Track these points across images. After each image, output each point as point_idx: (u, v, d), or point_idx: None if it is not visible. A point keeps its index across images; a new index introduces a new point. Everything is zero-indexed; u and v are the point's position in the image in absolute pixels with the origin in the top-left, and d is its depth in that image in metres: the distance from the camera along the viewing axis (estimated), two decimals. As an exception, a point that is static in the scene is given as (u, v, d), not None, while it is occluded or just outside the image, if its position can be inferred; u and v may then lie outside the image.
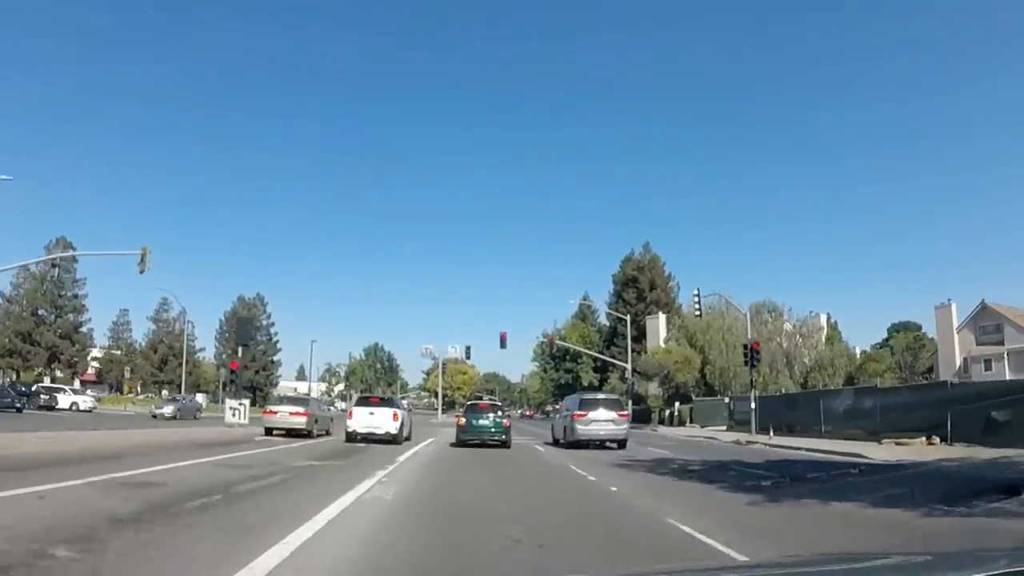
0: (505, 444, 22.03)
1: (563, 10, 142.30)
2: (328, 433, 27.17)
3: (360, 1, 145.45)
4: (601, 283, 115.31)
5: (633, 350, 61.91)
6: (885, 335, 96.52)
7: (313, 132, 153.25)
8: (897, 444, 24.60)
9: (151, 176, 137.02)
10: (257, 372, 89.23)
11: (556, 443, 25.37)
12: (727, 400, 47.52)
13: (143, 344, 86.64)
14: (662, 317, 69.12)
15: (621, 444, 23.29)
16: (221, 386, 73.24)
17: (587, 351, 71.68)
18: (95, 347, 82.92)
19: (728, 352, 53.38)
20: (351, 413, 22.97)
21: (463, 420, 22.52)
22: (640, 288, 79.72)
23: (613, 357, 67.54)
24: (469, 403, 26.02)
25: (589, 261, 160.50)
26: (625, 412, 23.48)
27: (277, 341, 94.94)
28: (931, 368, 76.22)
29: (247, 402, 29.34)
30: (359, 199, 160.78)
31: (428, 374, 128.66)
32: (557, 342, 65.92)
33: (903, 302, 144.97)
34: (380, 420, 22.34)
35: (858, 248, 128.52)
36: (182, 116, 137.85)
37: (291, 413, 24.56)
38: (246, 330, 30.67)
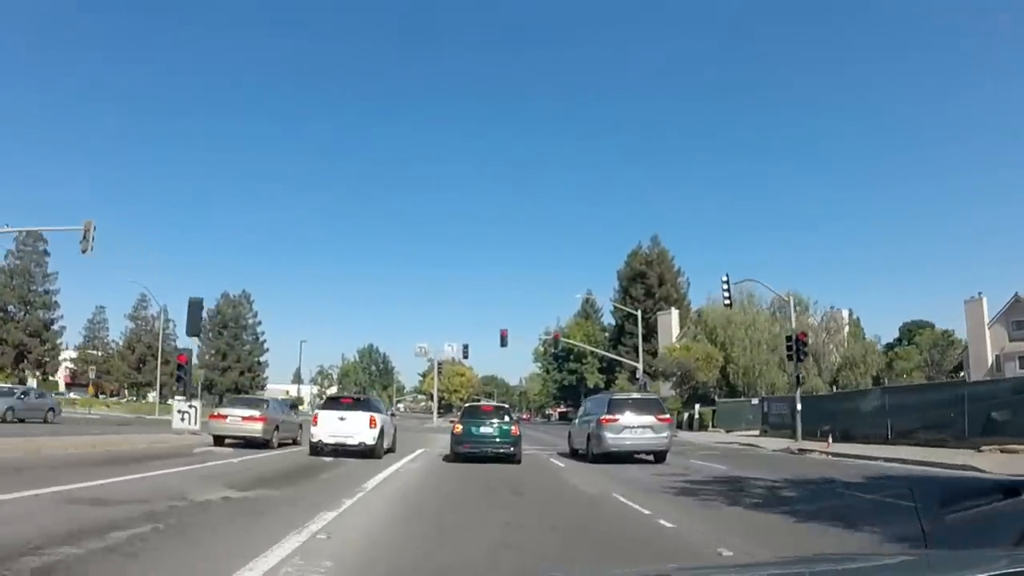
0: (514, 458, 17.01)
1: (567, 9, 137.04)
2: (295, 442, 22.24)
3: (362, 4, 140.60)
4: (602, 285, 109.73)
5: (643, 349, 57.16)
6: (896, 335, 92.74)
7: (312, 134, 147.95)
8: (1002, 451, 19.76)
9: (144, 176, 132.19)
10: (242, 373, 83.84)
11: (574, 454, 20.41)
12: (755, 401, 42.62)
13: (120, 343, 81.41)
14: (675, 313, 64.16)
15: (659, 456, 18.34)
16: (199, 388, 68.09)
17: (595, 349, 66.75)
18: (68, 346, 77.60)
19: (752, 349, 48.46)
20: (316, 418, 17.93)
21: (459, 427, 17.40)
22: (648, 283, 74.77)
23: (620, 356, 62.77)
24: (467, 405, 20.85)
25: (590, 263, 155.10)
26: (666, 416, 18.46)
27: (264, 341, 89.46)
28: (959, 366, 71.85)
29: (199, 404, 24.32)
30: (355, 201, 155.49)
31: (424, 376, 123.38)
32: (562, 340, 60.98)
33: (913, 301, 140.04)
34: (353, 427, 17.33)
35: (865, 249, 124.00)
36: (180, 118, 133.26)
37: (243, 418, 19.54)
38: (197, 318, 25.31)
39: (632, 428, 17.48)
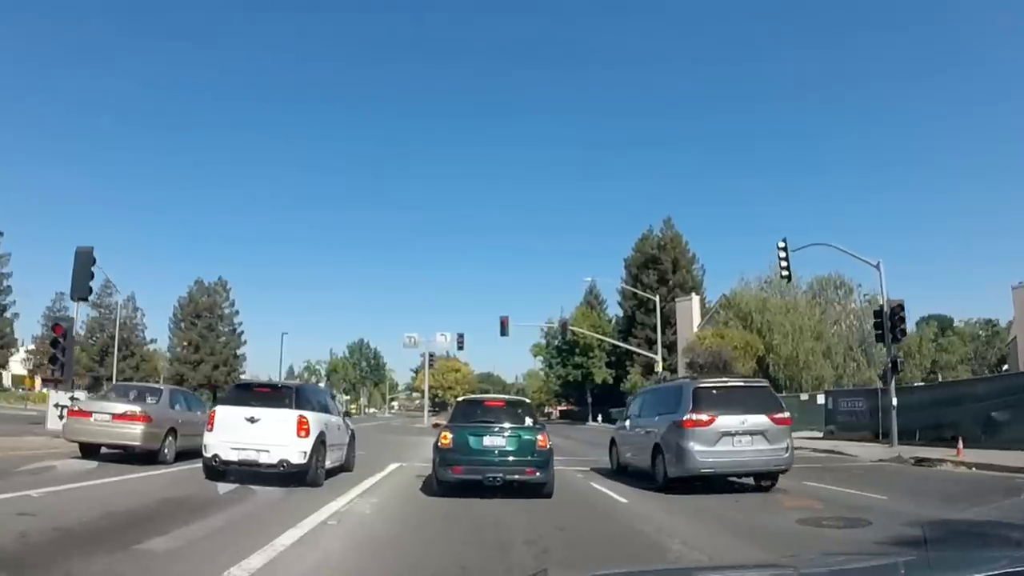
0: (543, 488, 10.04)
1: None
2: (212, 452, 15.27)
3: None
4: (605, 278, 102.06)
5: (660, 341, 50.50)
6: (914, 328, 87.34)
7: (309, 133, 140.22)
8: None
9: (140, 175, 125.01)
10: (216, 367, 76.35)
11: (621, 472, 13.58)
12: (804, 397, 35.88)
13: (81, 333, 74.06)
14: (695, 299, 57.22)
15: (767, 479, 11.51)
16: (162, 381, 60.97)
17: (607, 339, 59.90)
18: (20, 336, 70.24)
19: (794, 337, 41.64)
20: (212, 418, 10.90)
21: (448, 436, 10.16)
22: (662, 269, 67.79)
23: (632, 349, 56.10)
24: (463, 399, 13.43)
25: (590, 260, 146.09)
26: (785, 415, 11.57)
27: (242, 333, 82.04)
28: (1004, 358, 66.07)
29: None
30: (348, 192, 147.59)
31: (417, 372, 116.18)
32: (571, 328, 54.22)
33: (917, 298, 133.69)
34: (270, 434, 10.34)
35: (868, 247, 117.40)
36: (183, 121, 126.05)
37: (115, 416, 12.55)
38: (85, 274, 17.91)
39: (735, 436, 10.57)
